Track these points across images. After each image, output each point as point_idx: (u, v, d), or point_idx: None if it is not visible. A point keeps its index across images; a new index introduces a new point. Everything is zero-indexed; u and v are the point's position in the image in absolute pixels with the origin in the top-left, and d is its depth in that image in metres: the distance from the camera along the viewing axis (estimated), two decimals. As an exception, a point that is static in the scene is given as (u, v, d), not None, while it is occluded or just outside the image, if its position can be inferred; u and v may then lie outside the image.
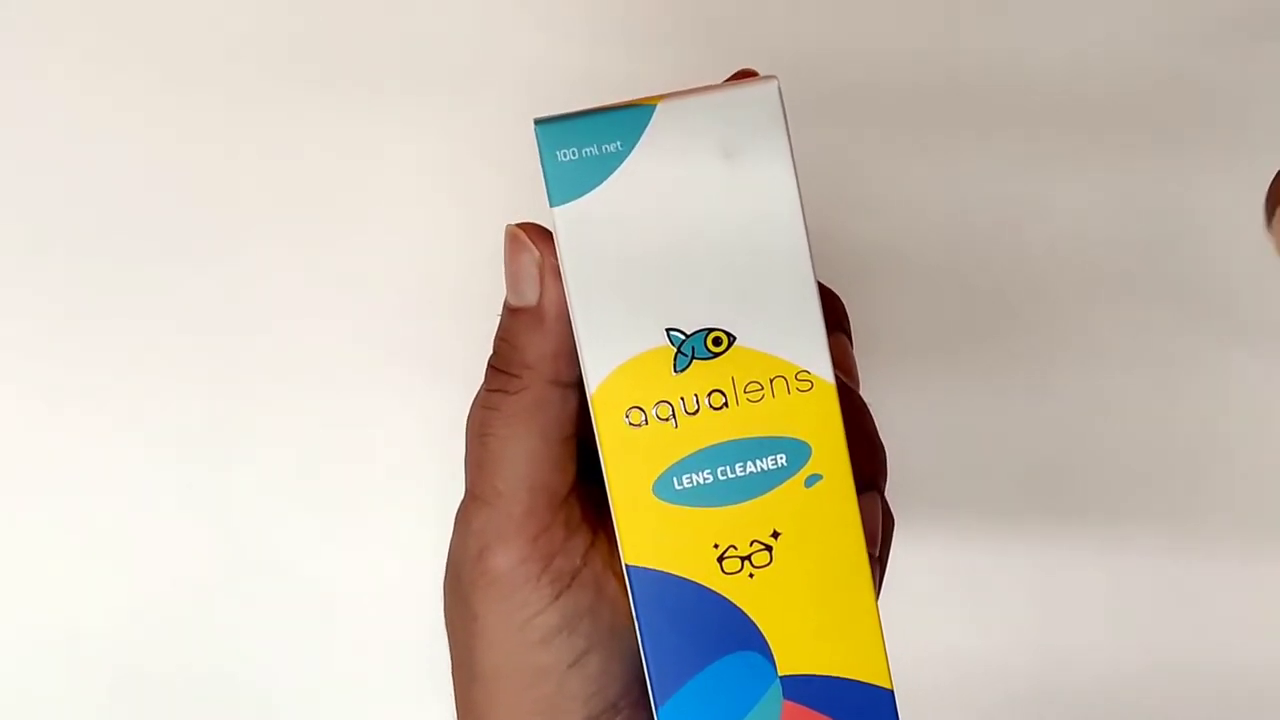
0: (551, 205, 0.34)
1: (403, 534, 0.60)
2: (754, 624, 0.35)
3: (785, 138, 0.34)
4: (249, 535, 0.62)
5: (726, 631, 0.35)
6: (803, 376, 0.34)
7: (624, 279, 0.34)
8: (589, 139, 0.33)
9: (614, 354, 0.34)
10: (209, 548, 0.62)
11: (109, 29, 0.58)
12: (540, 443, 0.37)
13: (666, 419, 0.34)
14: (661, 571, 0.35)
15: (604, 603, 0.37)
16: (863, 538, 0.35)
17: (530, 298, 0.36)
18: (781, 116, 0.34)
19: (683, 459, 0.35)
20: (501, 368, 0.37)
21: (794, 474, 0.35)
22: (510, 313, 0.37)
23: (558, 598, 0.37)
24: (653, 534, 0.35)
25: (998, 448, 0.56)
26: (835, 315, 0.39)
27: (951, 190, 0.56)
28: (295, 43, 0.58)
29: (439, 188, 0.57)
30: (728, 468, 0.35)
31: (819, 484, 0.35)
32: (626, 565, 0.35)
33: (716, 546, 0.35)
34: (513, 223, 0.37)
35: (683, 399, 0.34)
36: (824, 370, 0.34)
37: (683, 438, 0.34)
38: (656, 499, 0.35)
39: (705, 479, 0.35)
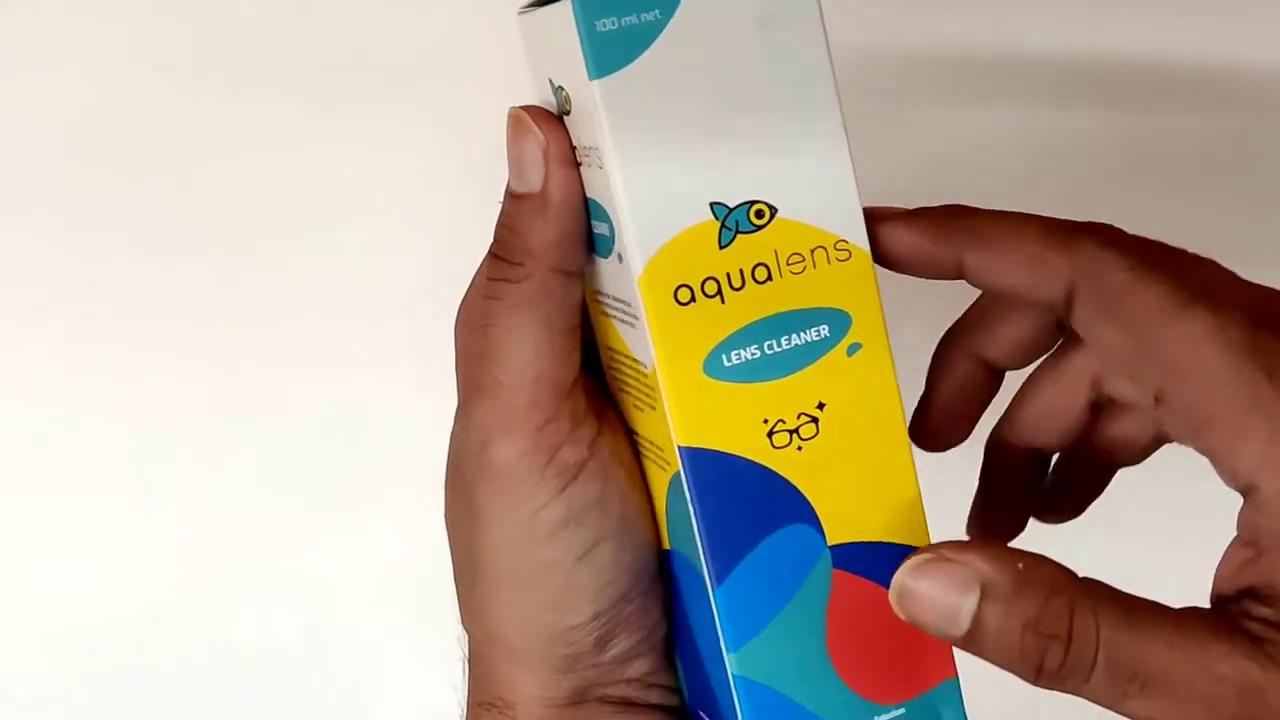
0: (591, 78, 0.33)
1: (400, 529, 0.59)
2: (804, 496, 0.35)
3: (817, 3, 0.34)
4: (245, 531, 0.61)
5: (778, 506, 0.35)
6: (841, 246, 0.35)
7: (667, 153, 0.33)
8: (628, 8, 0.32)
9: (661, 231, 0.33)
10: (206, 543, 0.61)
11: (108, 28, 0.58)
12: (544, 332, 0.36)
13: (714, 295, 0.34)
14: (715, 451, 0.34)
15: (612, 492, 0.37)
16: (901, 404, 0.36)
17: (534, 182, 0.35)
18: None
19: (731, 335, 0.34)
20: (504, 255, 0.36)
21: (836, 344, 0.35)
22: (513, 199, 0.36)
23: (564, 489, 0.36)
24: (705, 413, 0.34)
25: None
26: None
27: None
28: (295, 40, 0.58)
29: (439, 183, 0.57)
30: (774, 341, 0.34)
31: (859, 353, 0.35)
32: (680, 447, 0.34)
33: (766, 421, 0.35)
34: (516, 105, 0.36)
35: (729, 274, 0.34)
36: (861, 239, 0.35)
37: (730, 313, 0.34)
38: (707, 377, 0.34)
39: (753, 354, 0.34)
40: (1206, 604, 0.34)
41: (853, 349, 0.35)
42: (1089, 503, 0.42)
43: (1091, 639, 0.31)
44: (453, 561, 0.40)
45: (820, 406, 0.35)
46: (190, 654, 0.62)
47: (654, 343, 0.34)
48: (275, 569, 0.62)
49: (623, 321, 0.36)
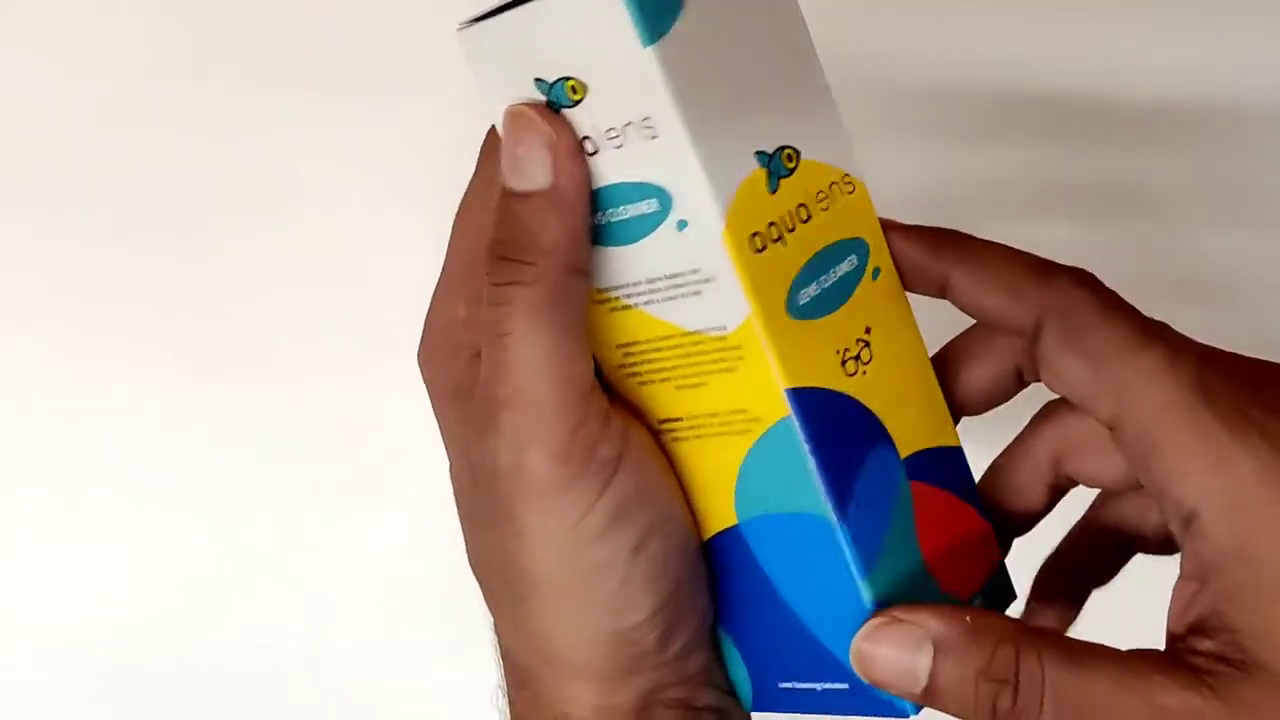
0: (646, 45, 0.32)
1: (403, 529, 0.62)
2: (877, 418, 0.37)
3: None
4: (245, 530, 0.62)
5: (864, 431, 0.36)
6: (847, 180, 0.37)
7: (716, 108, 0.34)
8: None
9: (728, 185, 0.34)
10: (206, 544, 0.62)
11: (105, 22, 0.59)
12: (563, 333, 0.35)
13: (778, 240, 0.35)
14: (813, 388, 0.35)
15: (651, 480, 0.36)
16: (913, 315, 0.38)
17: (540, 179, 0.34)
18: None
19: (797, 275, 0.35)
20: (512, 255, 0.35)
21: (864, 271, 0.37)
22: (516, 198, 0.35)
23: (607, 487, 0.35)
24: (798, 353, 0.35)
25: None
26: None
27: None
28: (296, 38, 0.58)
29: (442, 180, 0.52)
30: (825, 275, 0.36)
31: (881, 276, 0.37)
32: (788, 390, 0.35)
33: (838, 352, 0.36)
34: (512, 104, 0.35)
35: (782, 217, 0.35)
36: (858, 172, 0.37)
37: (792, 254, 0.35)
38: (790, 318, 0.35)
39: (814, 290, 0.35)
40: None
41: (875, 273, 0.37)
42: (1086, 588, 0.43)
43: (1037, 681, 0.33)
44: (486, 592, 0.38)
45: (868, 330, 0.37)
46: (192, 656, 0.63)
47: (748, 294, 0.34)
48: (277, 570, 0.63)
49: (667, 300, 0.35)
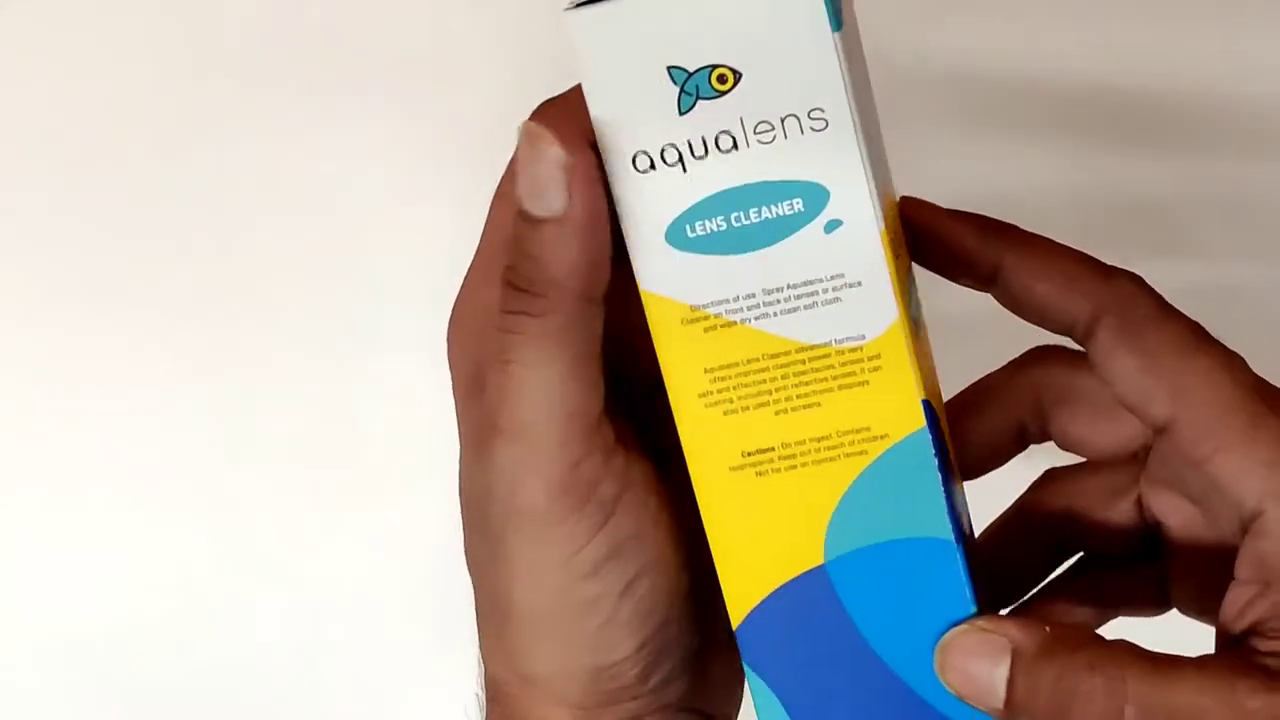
0: (835, 30, 0.32)
1: (399, 529, 0.62)
2: (944, 433, 0.37)
3: None
4: (245, 530, 0.63)
5: (941, 446, 0.36)
6: (892, 199, 0.36)
7: (858, 106, 0.33)
8: None
9: (876, 182, 0.33)
10: (206, 544, 0.63)
11: (106, 28, 0.59)
12: (572, 365, 0.34)
13: (900, 247, 0.35)
14: (928, 401, 0.35)
15: (649, 522, 0.36)
16: None
17: (555, 206, 0.33)
18: None
19: (909, 286, 0.36)
20: (522, 286, 0.33)
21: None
22: (529, 223, 0.33)
23: (603, 526, 0.34)
24: (921, 365, 0.35)
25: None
26: None
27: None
28: (293, 34, 0.59)
29: (438, 176, 0.57)
30: (912, 289, 0.36)
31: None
32: (925, 400, 0.34)
33: (924, 367, 0.36)
34: (527, 118, 0.33)
35: (893, 227, 0.35)
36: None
37: (904, 264, 0.35)
38: (913, 332, 0.35)
39: (914, 306, 0.36)
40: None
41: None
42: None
43: (1119, 692, 0.33)
44: (476, 602, 0.38)
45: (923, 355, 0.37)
46: (192, 656, 0.64)
47: (898, 302, 0.33)
48: (277, 570, 0.63)
49: (788, 312, 0.34)
